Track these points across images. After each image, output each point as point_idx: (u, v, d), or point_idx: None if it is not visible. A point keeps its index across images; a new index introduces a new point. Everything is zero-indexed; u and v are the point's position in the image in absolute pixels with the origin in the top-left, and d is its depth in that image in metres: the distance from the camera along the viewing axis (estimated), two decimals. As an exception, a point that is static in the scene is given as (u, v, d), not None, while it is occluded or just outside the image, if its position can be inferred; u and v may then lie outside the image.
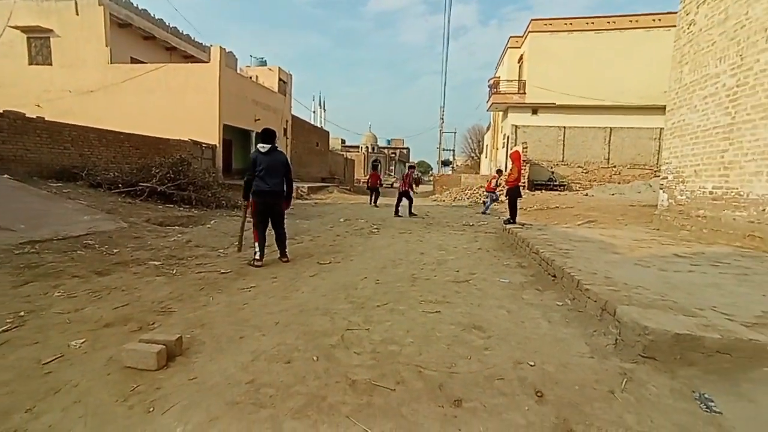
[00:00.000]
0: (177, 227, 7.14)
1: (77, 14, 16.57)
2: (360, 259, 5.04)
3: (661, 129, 10.55)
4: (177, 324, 2.69)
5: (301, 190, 16.99)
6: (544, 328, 2.70)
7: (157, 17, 19.19)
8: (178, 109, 16.25)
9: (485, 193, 13.19)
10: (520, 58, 21.39)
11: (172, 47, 20.05)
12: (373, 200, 14.92)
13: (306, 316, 2.90)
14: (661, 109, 7.73)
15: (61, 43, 16.83)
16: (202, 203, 10.06)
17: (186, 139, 14.57)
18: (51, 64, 17.08)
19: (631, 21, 18.83)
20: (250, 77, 21.27)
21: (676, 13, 7.19)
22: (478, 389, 1.91)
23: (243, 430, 1.58)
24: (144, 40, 18.68)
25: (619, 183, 17.54)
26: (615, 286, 2.96)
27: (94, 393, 1.83)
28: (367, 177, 17.78)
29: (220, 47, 16.61)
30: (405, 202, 10.85)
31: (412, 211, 10.92)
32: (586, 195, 15.00)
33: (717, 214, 5.56)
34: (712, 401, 1.78)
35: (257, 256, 4.46)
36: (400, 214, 10.55)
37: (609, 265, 3.74)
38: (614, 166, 18.81)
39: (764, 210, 4.73)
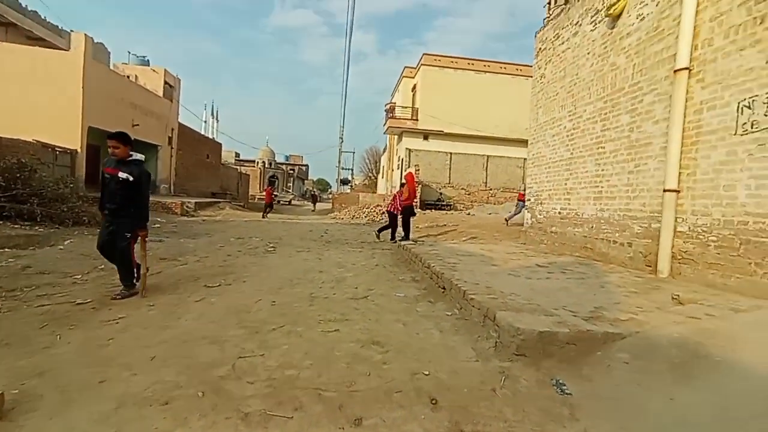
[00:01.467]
0: (8, 249, 5.70)
1: None
2: (254, 280, 4.72)
3: (525, 159, 12.56)
4: None
5: (187, 206, 15.28)
6: (436, 337, 2.89)
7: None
8: (19, 101, 13.22)
9: (517, 202, 11.61)
10: (414, 87, 23.33)
11: (10, 23, 16.25)
12: (264, 213, 18.04)
13: (190, 347, 2.57)
14: (525, 142, 9.22)
15: None
16: (52, 219, 8.22)
17: (30, 139, 11.84)
18: None
19: (501, 67, 22.34)
20: (128, 76, 18.62)
21: (532, 66, 8.75)
22: (378, 405, 1.93)
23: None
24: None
25: (494, 204, 20.17)
26: (494, 294, 3.35)
27: None
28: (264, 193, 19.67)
29: (86, 35, 14.20)
30: (392, 224, 9.27)
31: (395, 236, 9.01)
32: (469, 214, 16.80)
33: (564, 230, 6.80)
34: (565, 385, 2.13)
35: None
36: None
37: (489, 276, 4.23)
38: (491, 189, 21.58)
39: (593, 227, 5.95)
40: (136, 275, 3.86)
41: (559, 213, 6.97)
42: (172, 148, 21.23)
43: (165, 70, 20.99)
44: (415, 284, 4.72)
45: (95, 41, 15.10)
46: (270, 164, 54.30)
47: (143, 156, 3.99)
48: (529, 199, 8.28)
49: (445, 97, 21.25)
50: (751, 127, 3.55)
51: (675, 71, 4.31)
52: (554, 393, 2.07)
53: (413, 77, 23.73)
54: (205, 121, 44.27)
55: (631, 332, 2.51)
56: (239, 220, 15.23)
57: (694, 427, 1.67)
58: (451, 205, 20.20)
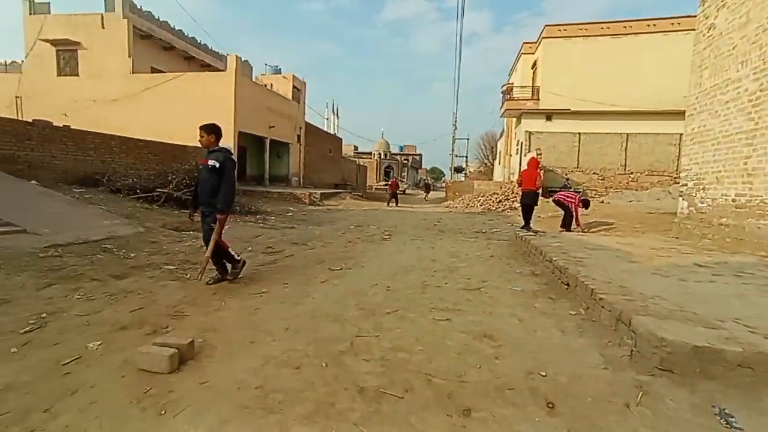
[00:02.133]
0: (191, 232, 7.29)
1: (103, 27, 17.29)
2: (371, 266, 5.04)
3: (681, 135, 10.28)
4: (189, 328, 2.73)
5: (314, 196, 17.16)
6: (556, 337, 2.65)
7: (176, 28, 19.83)
8: (196, 116, 16.41)
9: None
10: (534, 64, 21.25)
11: (191, 57, 20.67)
12: (390, 203, 19.53)
13: (316, 322, 2.92)
14: (681, 115, 7.56)
15: (88, 54, 17.56)
16: (214, 209, 10.24)
17: (202, 146, 14.91)
18: (78, 75, 17.81)
19: (648, 25, 18.52)
20: (265, 85, 21.71)
21: (695, 16, 7.05)
22: (488, 399, 1.88)
23: (252, 435, 1.60)
24: (164, 50, 19.33)
25: (636, 190, 17.13)
26: (631, 296, 2.89)
27: (109, 395, 1.88)
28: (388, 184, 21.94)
29: (236, 56, 17.03)
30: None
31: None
32: (602, 202, 14.70)
33: (740, 223, 5.38)
34: (733, 417, 1.72)
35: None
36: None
37: (625, 274, 3.65)
38: (631, 173, 18.37)
39: (790, 218, 4.56)
40: (232, 259, 4.02)
41: (734, 200, 5.56)
42: (300, 145, 24.00)
43: (293, 75, 23.72)
44: (534, 278, 4.38)
45: (242, 59, 17.99)
46: (385, 155, 56.76)
47: (230, 146, 4.43)
48: (686, 184, 6.81)
49: (571, 71, 18.75)
50: None
51: None
52: (716, 424, 1.70)
53: (533, 53, 21.59)
54: (327, 119, 48.51)
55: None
56: (358, 209, 16.40)
57: None
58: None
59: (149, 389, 1.92)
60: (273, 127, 20.23)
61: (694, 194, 6.56)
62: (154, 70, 18.20)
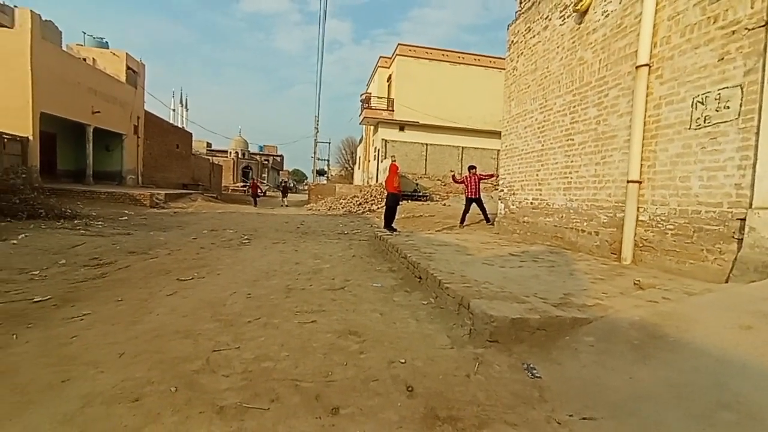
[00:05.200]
0: (-39, 245, 5.32)
1: None
2: (229, 273, 4.62)
3: (498, 150, 12.80)
4: (-40, 376, 1.99)
5: (157, 197, 14.68)
6: (412, 326, 2.95)
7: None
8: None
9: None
10: (389, 77, 23.19)
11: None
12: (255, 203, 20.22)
13: (162, 341, 2.51)
14: (498, 134, 9.41)
15: None
16: (2, 212, 7.70)
17: (-23, 127, 10.99)
18: None
19: (475, 59, 22.50)
20: (84, 59, 17.49)
21: (504, 58, 8.88)
22: (355, 394, 1.96)
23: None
24: None
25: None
26: (468, 283, 3.44)
27: None
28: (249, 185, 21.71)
29: (32, 11, 13.10)
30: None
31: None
32: (445, 205, 17.04)
33: (535, 220, 7.03)
34: (535, 368, 2.23)
35: None
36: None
37: (463, 265, 4.32)
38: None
39: (562, 217, 6.18)
40: None
41: (531, 203, 7.19)
42: (138, 137, 20.25)
43: (126, 53, 19.82)
44: (392, 274, 4.76)
45: (43, 19, 14.03)
46: (243, 155, 52.79)
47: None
48: (502, 190, 8.47)
49: (420, 88, 21.27)
50: (704, 122, 3.78)
51: (637, 67, 4.51)
52: (525, 377, 2.16)
53: (388, 67, 23.56)
54: (174, 110, 42.36)
55: (596, 317, 2.65)
56: (212, 212, 14.80)
57: (650, 401, 1.79)
58: (427, 196, 20.38)
59: None
60: (98, 112, 16.44)
61: (508, 198, 8.23)
62: None
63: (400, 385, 2.05)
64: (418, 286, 4.04)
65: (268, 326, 2.86)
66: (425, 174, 21.48)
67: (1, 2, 16.71)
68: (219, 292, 3.73)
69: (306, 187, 38.15)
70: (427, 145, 21.67)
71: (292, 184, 46.78)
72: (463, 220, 9.72)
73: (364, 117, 22.83)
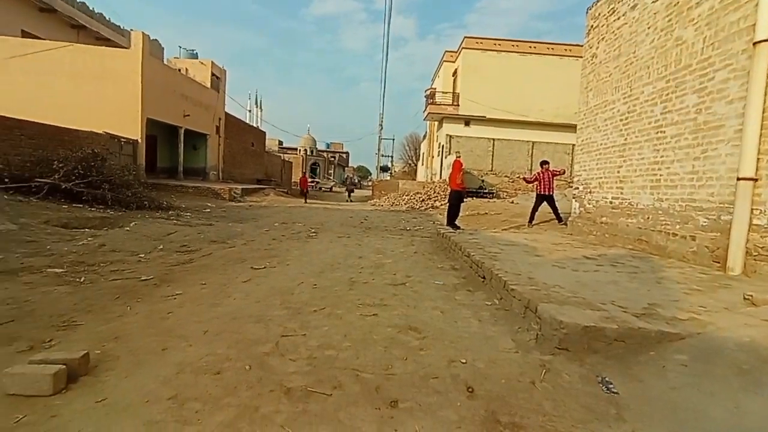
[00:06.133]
0: (87, 230, 6.33)
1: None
2: (297, 264, 4.91)
3: (573, 145, 11.83)
4: (83, 339, 2.38)
5: (235, 192, 16.09)
6: (474, 326, 2.87)
7: (63, -8, 16.94)
8: (91, 97, 14.47)
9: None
10: (455, 72, 22.65)
11: (81, 26, 17.76)
12: (305, 198, 19.27)
13: (238, 323, 2.75)
14: (573, 128, 8.70)
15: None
16: (119, 203, 9.02)
17: (100, 131, 13.00)
18: None
19: (548, 48, 21.02)
20: (179, 69, 19.72)
21: (582, 45, 8.16)
22: (413, 389, 1.97)
23: (164, 451, 1.45)
24: (40, 12, 16.19)
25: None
26: (537, 286, 3.25)
27: (-30, 426, 1.54)
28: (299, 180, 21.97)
29: (143, 33, 15.18)
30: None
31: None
32: (512, 202, 16.25)
33: (615, 221, 6.38)
34: (611, 383, 2.04)
35: None
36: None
37: (531, 267, 4.09)
38: (536, 177, 20.66)
39: (649, 218, 5.53)
40: None
41: (611, 202, 6.55)
42: (219, 136, 22.33)
43: (212, 62, 21.96)
44: (455, 273, 4.68)
45: (151, 38, 16.09)
46: (311, 152, 55.55)
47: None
48: (577, 188, 7.84)
49: (487, 82, 20.43)
50: None
51: (754, 44, 3.84)
52: (599, 390, 1.99)
53: (454, 62, 23.01)
54: (250, 111, 45.82)
55: (691, 333, 2.34)
56: (283, 205, 15.81)
57: (758, 436, 1.54)
58: (493, 193, 19.60)
59: (21, 418, 1.60)
60: (188, 116, 18.47)
61: (583, 197, 7.59)
62: (25, 35, 15.26)
63: (460, 385, 2.01)
64: (481, 286, 3.92)
65: (332, 316, 2.98)
66: (491, 170, 20.66)
67: (120, 26, 19.57)
68: (288, 282, 3.98)
69: (370, 184, 39.01)
70: (494, 140, 20.80)
71: (356, 180, 48.01)
72: (531, 218, 9.17)
73: (429, 113, 22.60)
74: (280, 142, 56.56)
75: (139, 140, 15.05)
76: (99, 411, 1.67)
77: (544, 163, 9.33)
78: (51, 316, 2.73)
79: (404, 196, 19.04)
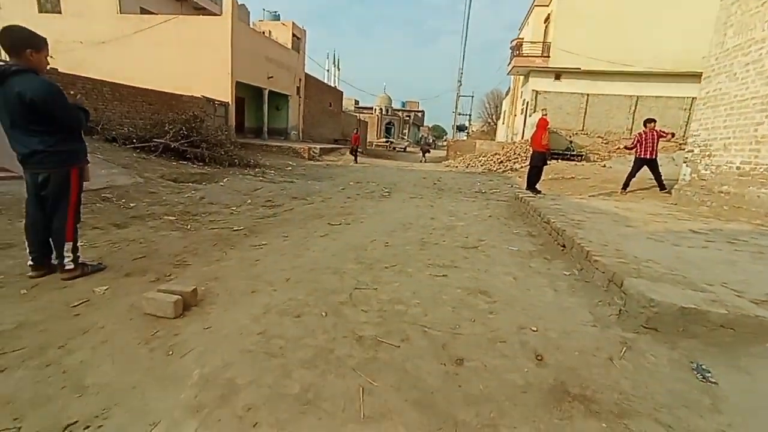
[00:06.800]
0: (190, 184, 7.25)
1: (85, -41, 16.01)
2: (370, 222, 5.09)
3: (693, 98, 9.97)
4: (192, 276, 2.80)
5: (314, 151, 16.90)
6: (549, 296, 2.74)
7: (166, -36, 18.38)
8: (190, 63, 15.95)
9: None
10: (547, 17, 20.05)
11: (182, -4, 19.34)
12: (354, 159, 17.75)
13: (316, 274, 2.99)
14: (697, 77, 7.28)
15: (71, -11, 16.40)
16: (215, 161, 10.12)
17: (199, 95, 14.43)
18: (60, 12, 16.74)
19: (672, -22, 17.28)
20: (263, 32, 20.56)
21: (723, -31, 6.56)
22: (480, 350, 1.98)
23: (255, 376, 1.69)
24: (153, -12, 18.01)
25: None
26: (625, 259, 2.95)
27: (118, 335, 1.96)
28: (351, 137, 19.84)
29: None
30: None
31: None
32: (604, 166, 14.56)
33: (741, 191, 5.38)
34: (709, 372, 1.82)
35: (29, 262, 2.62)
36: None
37: (621, 238, 3.70)
38: (637, 137, 18.05)
39: (791, 188, 4.56)
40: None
41: (738, 168, 5.52)
42: (299, 97, 23.22)
43: (293, 23, 22.37)
44: (531, 239, 4.45)
45: (239, 3, 16.86)
46: (387, 111, 55.19)
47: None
48: (692, 150, 6.71)
49: (586, 27, 17.71)
50: None
51: None
52: (692, 377, 1.80)
53: (547, 5, 20.26)
54: (328, 70, 46.51)
55: (823, 325, 1.96)
56: (357, 165, 16.24)
57: None
58: (582, 156, 17.75)
59: (156, 332, 2.00)
60: (272, 77, 19.44)
61: (698, 161, 6.49)
62: (143, 11, 17.10)
63: (528, 352, 1.97)
64: (560, 255, 3.69)
65: (402, 274, 3.08)
66: (582, 130, 18.55)
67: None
68: (361, 238, 4.16)
69: (445, 144, 37.85)
70: (587, 95, 18.41)
71: (431, 140, 46.81)
72: (626, 184, 8.16)
73: (513, 66, 20.63)
74: (356, 102, 57.04)
75: (230, 102, 16.36)
76: (207, 336, 2.00)
77: (649, 121, 8.01)
78: (169, 255, 3.25)
79: (481, 157, 18.18)
